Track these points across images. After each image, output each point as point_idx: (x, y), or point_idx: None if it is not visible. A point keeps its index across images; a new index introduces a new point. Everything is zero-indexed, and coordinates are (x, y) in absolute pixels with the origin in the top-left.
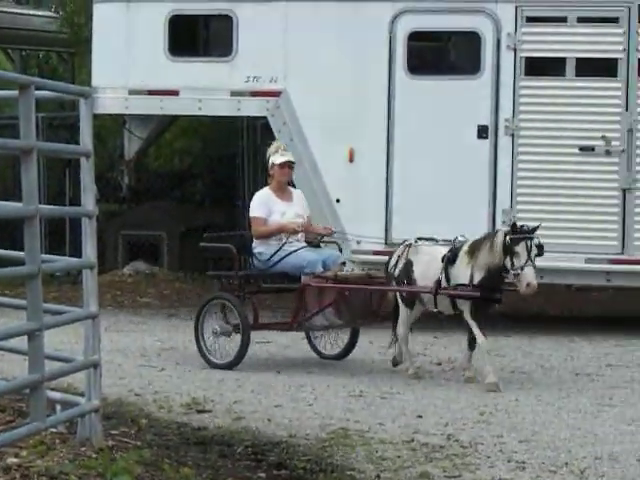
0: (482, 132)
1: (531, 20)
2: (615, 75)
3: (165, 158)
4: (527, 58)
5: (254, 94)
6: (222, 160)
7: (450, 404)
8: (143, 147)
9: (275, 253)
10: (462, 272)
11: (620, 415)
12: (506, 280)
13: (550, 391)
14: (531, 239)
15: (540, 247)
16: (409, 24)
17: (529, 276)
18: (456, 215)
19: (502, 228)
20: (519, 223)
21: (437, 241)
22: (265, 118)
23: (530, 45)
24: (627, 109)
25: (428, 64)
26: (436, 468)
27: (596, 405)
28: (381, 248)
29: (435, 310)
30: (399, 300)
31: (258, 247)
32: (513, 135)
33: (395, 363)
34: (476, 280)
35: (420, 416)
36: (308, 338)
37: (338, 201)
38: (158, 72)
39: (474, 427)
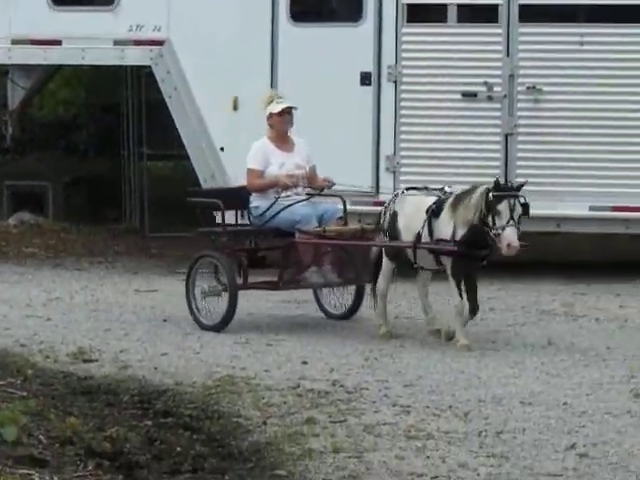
0: (365, 79)
1: None
2: (496, 21)
3: (49, 108)
4: (409, 5)
5: (137, 43)
6: (106, 110)
7: (335, 350)
8: (27, 97)
9: (268, 208)
10: (445, 226)
11: (503, 358)
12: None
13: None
14: (515, 197)
15: (525, 206)
16: None
17: (510, 237)
18: (340, 162)
19: (484, 185)
20: (502, 179)
21: (428, 190)
22: (149, 67)
23: None
24: (508, 55)
25: (311, 11)
26: (322, 414)
27: (479, 349)
28: None
29: (416, 265)
30: (383, 253)
31: (255, 201)
32: (396, 82)
33: (385, 336)
34: (458, 236)
35: (306, 362)
36: (316, 297)
37: (222, 150)
38: (40, 22)
39: (359, 372)
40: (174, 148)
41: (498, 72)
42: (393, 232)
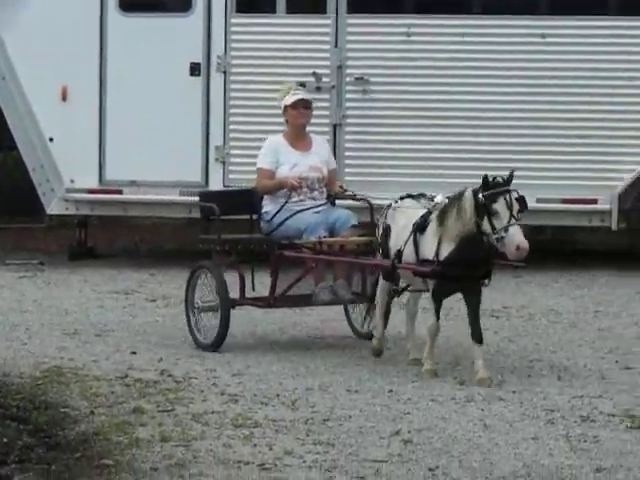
0: (194, 70)
1: None
2: (325, 12)
3: None
4: None
5: None
6: None
7: (165, 340)
8: None
9: (275, 214)
10: (428, 243)
11: (331, 348)
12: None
13: (263, 326)
14: (509, 192)
15: (522, 200)
16: None
17: (517, 236)
18: (170, 153)
19: (469, 187)
20: (490, 175)
21: (426, 199)
22: None
23: None
24: (336, 45)
25: (140, 2)
26: (149, 403)
27: (308, 338)
28: (95, 186)
29: (399, 287)
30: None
31: (266, 206)
32: (225, 72)
33: (376, 352)
34: (443, 254)
35: (134, 352)
36: (346, 315)
37: (51, 140)
38: None
39: (188, 362)
40: (4, 139)
41: (327, 63)
42: (385, 248)
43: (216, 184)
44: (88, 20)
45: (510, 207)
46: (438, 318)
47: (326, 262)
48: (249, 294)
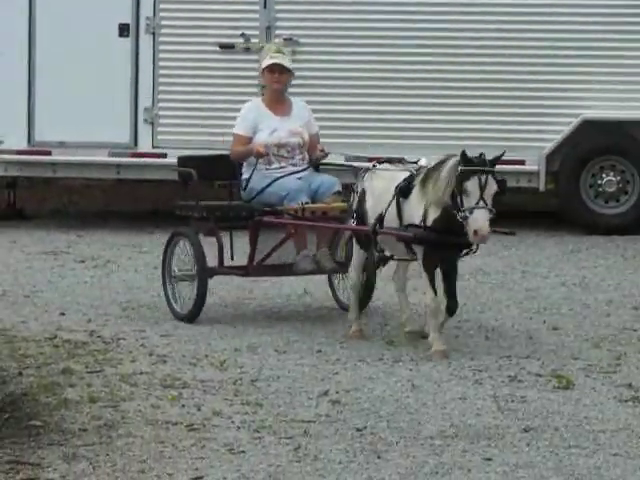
0: (123, 30)
1: None
2: None
3: None
4: None
5: None
6: None
7: (94, 301)
8: None
9: (249, 179)
10: (414, 208)
11: (259, 309)
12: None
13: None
14: (487, 173)
15: (502, 183)
16: None
17: (478, 221)
18: (99, 114)
19: (455, 156)
20: (469, 152)
21: (404, 163)
22: None
23: None
24: (265, 6)
25: None
26: (78, 364)
27: (237, 300)
28: (24, 147)
29: (382, 255)
30: (354, 240)
31: (246, 172)
32: (154, 33)
33: (355, 334)
34: (430, 220)
35: (63, 314)
36: (330, 287)
37: None
38: None
39: (117, 323)
40: None
41: (255, 24)
42: (361, 214)
43: (145, 145)
44: None
45: (482, 188)
46: (435, 292)
47: (307, 229)
48: (227, 263)
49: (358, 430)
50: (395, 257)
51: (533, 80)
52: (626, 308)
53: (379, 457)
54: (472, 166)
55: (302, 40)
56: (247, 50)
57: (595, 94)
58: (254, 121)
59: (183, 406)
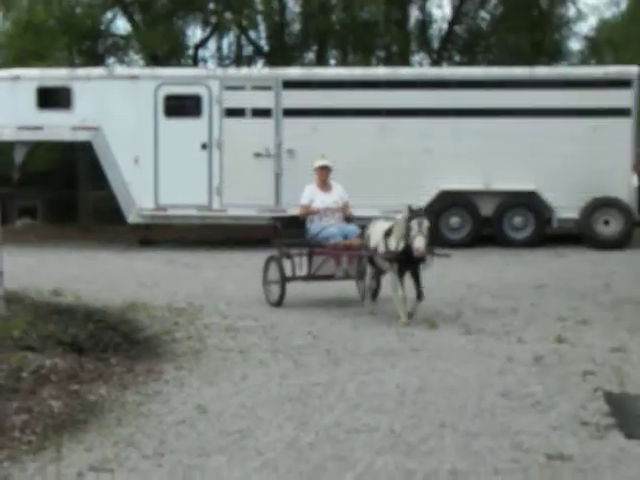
0: (205, 146)
1: None
2: None
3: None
4: None
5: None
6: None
7: (190, 286)
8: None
9: (309, 228)
10: (393, 241)
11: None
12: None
13: (244, 271)
14: (418, 217)
15: (430, 222)
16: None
17: (417, 243)
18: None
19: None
20: (414, 207)
21: (388, 219)
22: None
23: None
24: (277, 134)
25: None
26: (182, 319)
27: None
28: (153, 207)
29: (384, 268)
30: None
31: (309, 225)
32: (220, 148)
33: (370, 312)
34: (400, 247)
35: (174, 293)
36: (357, 285)
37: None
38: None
39: (202, 297)
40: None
41: (272, 141)
42: (368, 246)
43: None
44: None
45: (419, 224)
46: (402, 289)
47: (341, 255)
48: (297, 274)
49: (327, 351)
50: (384, 270)
51: (410, 164)
52: (463, 285)
53: (337, 365)
54: (411, 214)
55: (297, 150)
56: (267, 156)
57: (447, 174)
58: (310, 196)
59: (236, 340)
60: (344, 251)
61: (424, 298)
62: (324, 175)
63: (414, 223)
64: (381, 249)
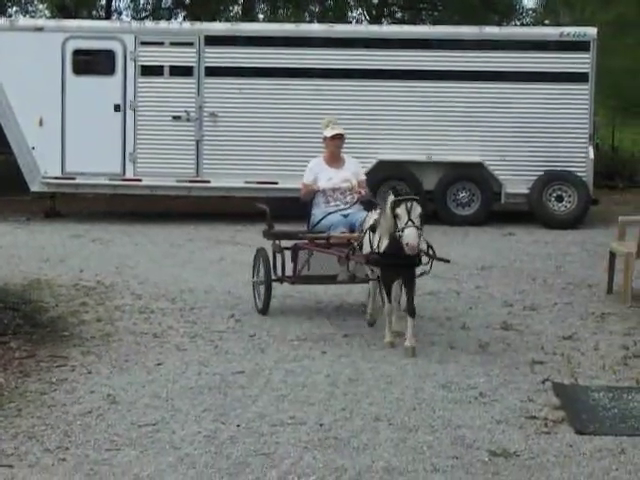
0: (117, 108)
1: None
2: None
3: None
4: None
5: None
6: None
7: (99, 263)
8: None
9: (312, 213)
10: (375, 239)
11: (196, 268)
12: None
13: (160, 248)
14: (411, 200)
15: (423, 207)
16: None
17: (408, 236)
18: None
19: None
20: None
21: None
22: None
23: None
24: (198, 94)
25: None
26: (90, 299)
27: (182, 263)
28: (59, 175)
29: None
30: None
31: (312, 210)
32: (134, 110)
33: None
34: (382, 247)
35: (82, 270)
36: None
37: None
38: None
39: (113, 276)
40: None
41: (193, 103)
42: (361, 244)
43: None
44: None
45: (409, 212)
46: (390, 301)
47: (324, 251)
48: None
49: (250, 336)
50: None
51: (346, 131)
52: None
53: (262, 351)
54: (400, 197)
55: (220, 113)
56: (187, 120)
57: (386, 143)
58: (315, 173)
59: (151, 323)
60: (324, 248)
61: (415, 311)
62: (336, 146)
63: (401, 210)
64: (366, 248)
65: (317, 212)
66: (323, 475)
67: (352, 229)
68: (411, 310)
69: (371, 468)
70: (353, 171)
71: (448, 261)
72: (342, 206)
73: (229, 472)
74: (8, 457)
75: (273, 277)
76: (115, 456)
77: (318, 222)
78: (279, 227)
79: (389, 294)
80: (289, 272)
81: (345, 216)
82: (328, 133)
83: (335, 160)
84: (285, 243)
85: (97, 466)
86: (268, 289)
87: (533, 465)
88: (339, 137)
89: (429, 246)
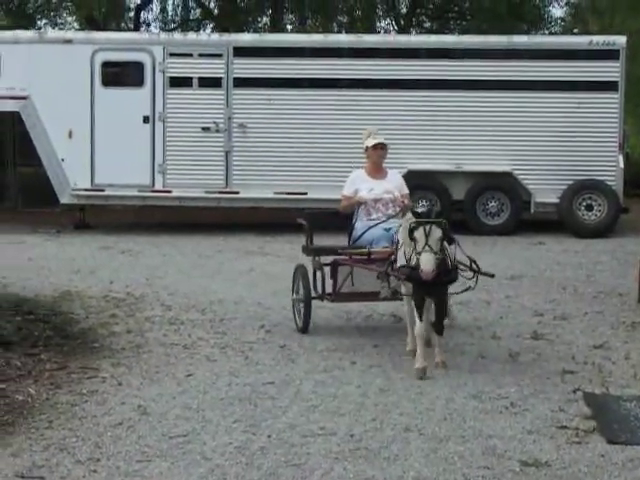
0: (146, 119)
1: None
2: None
3: None
4: None
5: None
6: None
7: (129, 274)
8: None
9: (354, 227)
10: (404, 253)
11: (226, 279)
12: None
13: (189, 259)
14: (426, 224)
15: (444, 231)
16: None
17: (422, 263)
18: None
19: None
20: (419, 208)
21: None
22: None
23: None
24: (227, 105)
25: None
26: (120, 311)
27: (212, 274)
28: (89, 187)
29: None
30: None
31: (354, 223)
32: (164, 121)
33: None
34: (413, 261)
35: (112, 282)
36: None
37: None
38: None
39: (143, 287)
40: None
41: (222, 115)
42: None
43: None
44: None
45: (427, 236)
46: (421, 319)
47: (364, 266)
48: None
49: (281, 347)
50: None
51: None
52: None
53: (293, 362)
54: (419, 220)
55: (249, 124)
56: (216, 131)
57: (416, 154)
58: (355, 185)
59: (181, 334)
60: (364, 263)
61: (443, 336)
62: (379, 156)
63: (419, 234)
64: (400, 261)
65: (359, 226)
66: None
67: (393, 243)
68: (439, 329)
69: (402, 479)
70: (396, 184)
71: (493, 275)
72: (384, 219)
73: None
74: (39, 469)
75: (313, 294)
76: (146, 467)
77: (360, 236)
78: (320, 241)
79: (420, 312)
80: (329, 289)
81: (387, 230)
82: (370, 143)
83: (377, 171)
84: (325, 259)
85: (128, 478)
86: (307, 307)
87: (565, 475)
88: (381, 147)
89: (472, 261)
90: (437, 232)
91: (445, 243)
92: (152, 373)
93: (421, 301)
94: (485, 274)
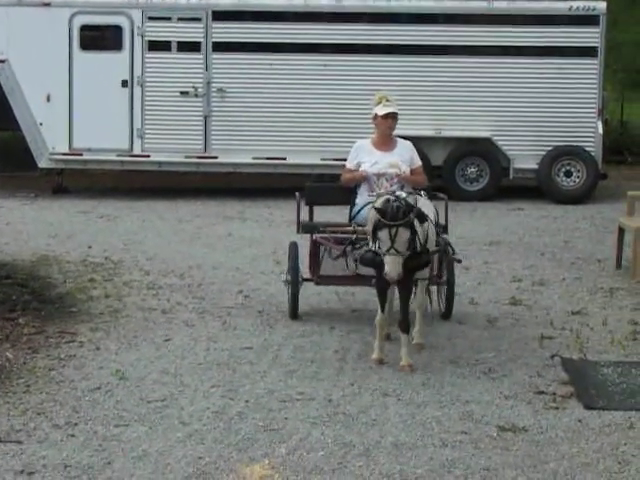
0: (125, 83)
1: None
2: None
3: None
4: None
5: None
6: None
7: (106, 239)
8: None
9: (355, 202)
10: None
11: (205, 244)
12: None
13: (168, 224)
14: (392, 227)
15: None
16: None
17: (388, 266)
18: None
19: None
20: (382, 203)
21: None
22: None
23: None
24: (206, 69)
25: None
26: (98, 275)
27: (190, 239)
28: (67, 150)
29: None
30: None
31: (357, 198)
32: (142, 86)
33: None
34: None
35: (90, 247)
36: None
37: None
38: None
39: (121, 252)
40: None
41: (201, 79)
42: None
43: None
44: None
45: (392, 239)
46: (382, 310)
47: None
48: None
49: (259, 312)
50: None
51: (356, 107)
52: None
53: (271, 327)
54: (385, 219)
55: (228, 89)
56: (195, 95)
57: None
58: (358, 157)
59: (159, 299)
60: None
61: (409, 327)
62: (388, 127)
63: (384, 235)
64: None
65: (359, 201)
66: (332, 451)
67: None
68: (404, 325)
69: (380, 444)
70: (406, 157)
71: (460, 261)
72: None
73: (238, 448)
74: (17, 433)
75: (306, 277)
76: (124, 432)
77: (358, 213)
78: (322, 217)
79: (382, 301)
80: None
81: None
82: (380, 111)
83: (384, 143)
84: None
85: (106, 442)
86: (295, 289)
87: (542, 440)
88: (392, 116)
89: (447, 243)
90: (405, 234)
91: (416, 222)
92: (130, 338)
93: (383, 289)
94: (453, 260)
